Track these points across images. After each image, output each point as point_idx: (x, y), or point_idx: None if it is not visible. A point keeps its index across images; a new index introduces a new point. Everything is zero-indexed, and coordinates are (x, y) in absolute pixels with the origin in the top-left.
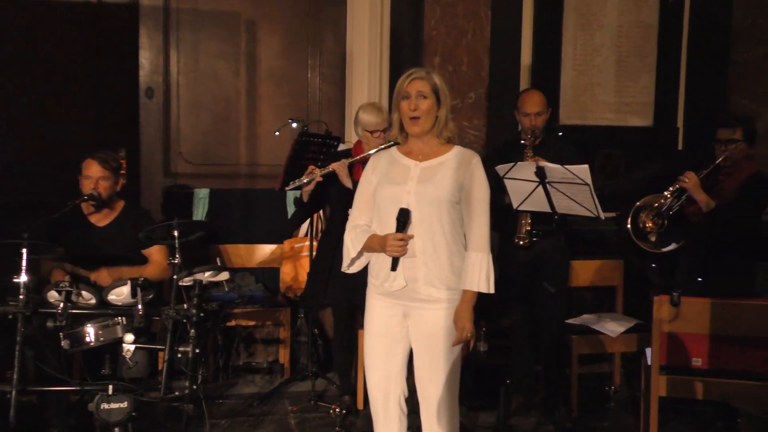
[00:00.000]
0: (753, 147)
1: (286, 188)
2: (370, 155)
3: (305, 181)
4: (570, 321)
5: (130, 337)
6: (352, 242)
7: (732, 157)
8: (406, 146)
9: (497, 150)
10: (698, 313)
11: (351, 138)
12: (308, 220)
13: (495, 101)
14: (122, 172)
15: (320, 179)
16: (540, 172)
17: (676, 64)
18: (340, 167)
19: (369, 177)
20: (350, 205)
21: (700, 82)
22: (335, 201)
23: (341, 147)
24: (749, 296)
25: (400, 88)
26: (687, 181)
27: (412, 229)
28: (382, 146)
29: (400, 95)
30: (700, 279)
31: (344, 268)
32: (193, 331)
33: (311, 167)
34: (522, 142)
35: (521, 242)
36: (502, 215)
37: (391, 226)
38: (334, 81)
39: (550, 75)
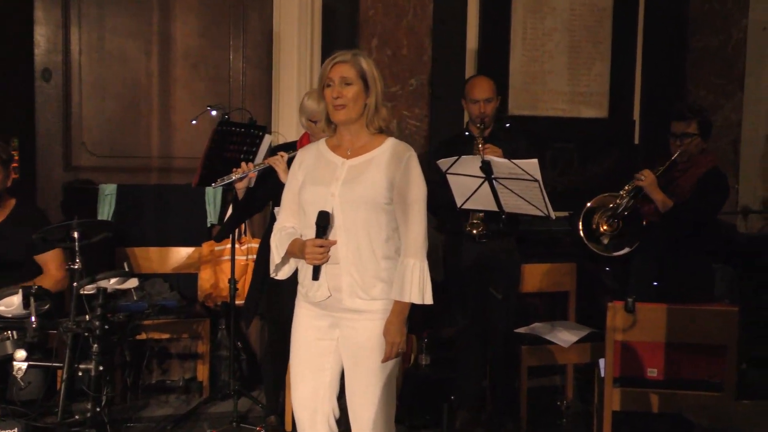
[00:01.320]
0: (708, 141)
1: (213, 185)
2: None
3: (235, 178)
4: (519, 330)
5: (21, 353)
6: (276, 247)
7: (687, 152)
8: (335, 139)
9: (444, 143)
10: (654, 320)
11: (278, 128)
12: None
13: (438, 88)
14: (14, 165)
15: (254, 175)
16: (485, 167)
17: (631, 51)
18: (277, 161)
19: (296, 173)
20: None
21: (657, 71)
22: (275, 201)
23: (267, 139)
24: (707, 301)
25: (323, 74)
26: (644, 179)
27: (335, 233)
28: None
29: (324, 82)
30: (655, 283)
31: (271, 274)
32: (96, 346)
33: (243, 165)
34: (467, 133)
35: (474, 230)
36: (448, 214)
37: (313, 230)
38: (260, 64)
39: (498, 61)
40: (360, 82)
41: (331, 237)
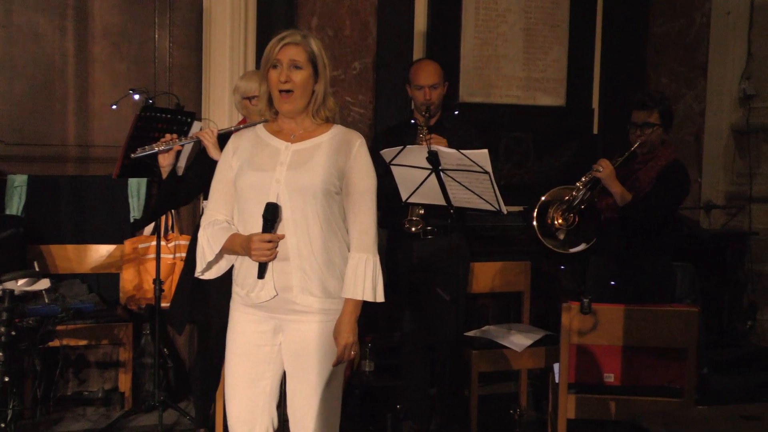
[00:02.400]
0: (670, 131)
1: (133, 155)
2: (248, 127)
3: (160, 148)
4: (469, 334)
5: None
6: (207, 242)
7: (648, 142)
8: (276, 125)
9: (387, 131)
10: (611, 322)
11: (208, 114)
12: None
13: (384, 73)
14: None
15: (180, 148)
16: (432, 158)
17: (590, 35)
18: (206, 135)
19: (228, 160)
20: None
21: (617, 56)
22: (208, 186)
23: (196, 126)
24: (668, 301)
25: (270, 55)
26: (601, 170)
27: (283, 226)
28: (263, 120)
29: (269, 63)
30: (612, 283)
31: (198, 273)
32: (1, 354)
33: (168, 135)
34: (413, 121)
35: (413, 228)
36: (392, 208)
37: (255, 223)
38: (189, 44)
39: (449, 43)
40: (309, 67)
41: (278, 229)
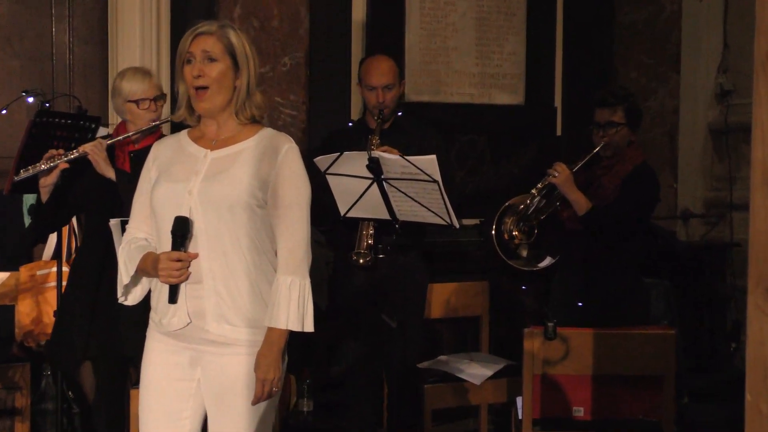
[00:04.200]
0: (638, 131)
1: (16, 177)
2: (139, 133)
3: (44, 167)
4: (422, 365)
5: None
6: (124, 263)
7: (612, 144)
8: (198, 129)
9: (331, 137)
10: (579, 348)
11: (115, 119)
12: (55, 235)
13: (318, 69)
14: None
15: (66, 166)
16: (373, 166)
17: (550, 24)
18: (94, 149)
19: (149, 171)
20: (117, 209)
21: (580, 48)
22: (94, 204)
23: (102, 132)
24: (641, 323)
25: (183, 48)
26: (557, 175)
27: (196, 243)
28: (154, 122)
29: (183, 58)
30: (580, 303)
31: (119, 298)
32: None
33: (52, 151)
34: (350, 124)
35: (361, 260)
36: (334, 226)
37: (168, 241)
38: (92, 38)
39: (391, 35)
40: (227, 59)
41: (191, 248)
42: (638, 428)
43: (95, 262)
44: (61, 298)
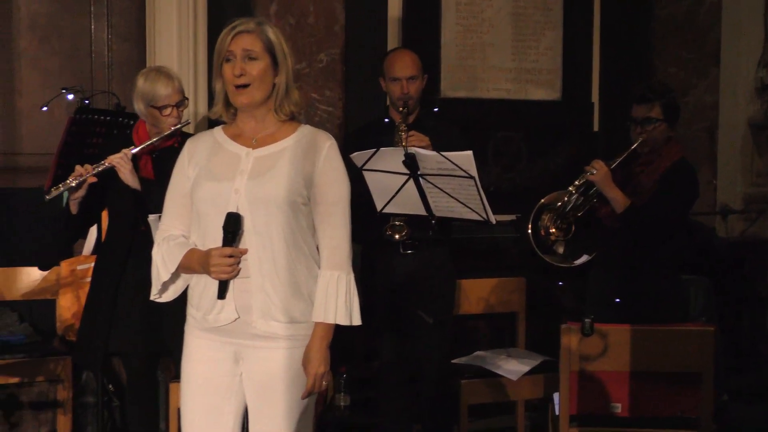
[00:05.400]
0: (676, 127)
1: (47, 197)
2: (161, 139)
3: (73, 185)
4: (457, 361)
5: None
6: (162, 260)
7: (650, 140)
8: (235, 127)
9: (358, 132)
10: (617, 345)
11: None
12: (95, 233)
13: (354, 66)
14: None
15: (94, 180)
16: (410, 162)
17: (587, 19)
18: (121, 161)
19: (184, 169)
20: (141, 212)
21: (618, 43)
22: (116, 206)
23: None
24: (679, 320)
25: (222, 47)
26: (595, 172)
27: (244, 241)
28: (176, 126)
29: (222, 56)
30: (617, 300)
31: (153, 296)
32: None
33: (79, 168)
34: (386, 120)
35: (396, 235)
36: (366, 220)
37: (214, 238)
38: (130, 36)
39: (427, 31)
40: (267, 57)
41: (240, 245)
42: (677, 425)
43: (117, 260)
44: (89, 296)
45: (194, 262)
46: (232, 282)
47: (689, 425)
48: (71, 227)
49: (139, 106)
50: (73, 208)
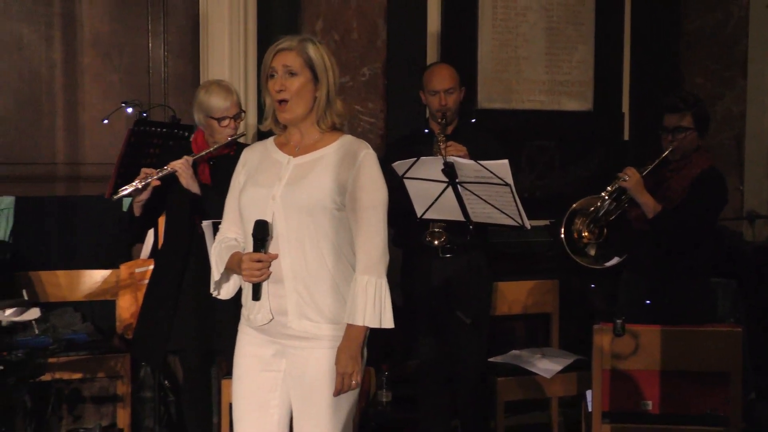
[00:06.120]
0: (706, 136)
1: (114, 197)
2: (218, 148)
3: (139, 186)
4: (494, 360)
5: None
6: (215, 261)
7: (681, 148)
8: (284, 137)
9: (399, 142)
10: (648, 345)
11: None
12: (152, 237)
13: (395, 79)
14: None
15: (158, 183)
16: (449, 170)
17: (618, 33)
18: (182, 166)
19: (238, 175)
20: (198, 215)
21: (647, 56)
22: (175, 211)
23: None
24: (708, 321)
25: (266, 64)
26: (627, 179)
27: (278, 245)
28: (232, 137)
29: (266, 72)
30: (648, 302)
31: (212, 292)
32: None
33: (145, 170)
34: (426, 131)
35: (435, 241)
36: (407, 226)
37: (252, 242)
38: (184, 52)
39: (465, 46)
40: (307, 73)
41: (273, 249)
42: (706, 422)
43: (177, 262)
44: (147, 295)
45: (234, 264)
46: (266, 285)
47: (718, 423)
48: (134, 229)
49: (198, 117)
50: (137, 211)
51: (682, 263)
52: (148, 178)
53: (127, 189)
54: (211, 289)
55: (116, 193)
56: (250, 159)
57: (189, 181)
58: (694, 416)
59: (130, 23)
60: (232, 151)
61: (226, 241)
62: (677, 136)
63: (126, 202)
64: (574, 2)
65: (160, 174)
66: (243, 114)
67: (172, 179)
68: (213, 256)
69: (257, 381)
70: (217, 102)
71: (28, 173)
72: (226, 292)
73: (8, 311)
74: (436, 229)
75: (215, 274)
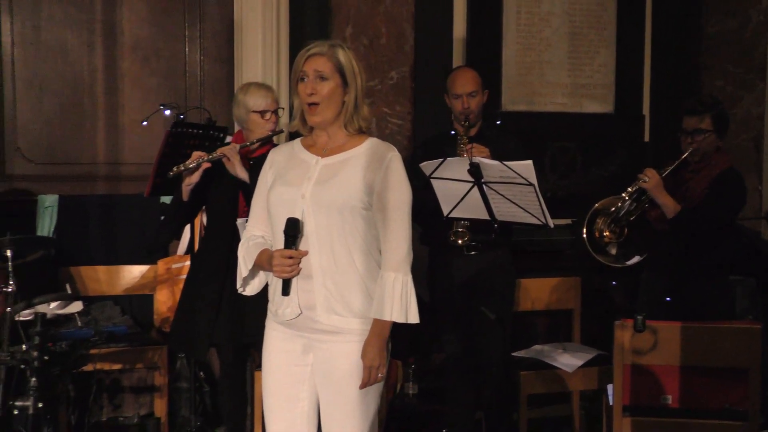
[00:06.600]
0: (725, 137)
1: (169, 174)
2: (260, 141)
3: (191, 166)
4: (517, 354)
5: None
6: (243, 258)
7: (700, 150)
8: (310, 138)
9: (425, 143)
10: (667, 341)
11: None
12: (188, 234)
13: (422, 82)
14: None
15: (208, 165)
16: (474, 171)
17: (639, 37)
18: (231, 152)
19: (266, 175)
20: (248, 203)
21: (668, 59)
22: (217, 203)
23: (228, 140)
24: (727, 318)
25: (297, 67)
26: (647, 180)
27: (307, 242)
28: (271, 132)
29: (297, 76)
30: (668, 299)
31: (238, 289)
32: (34, 379)
33: (197, 153)
34: (452, 132)
35: (459, 240)
36: (433, 224)
37: (281, 239)
38: (219, 57)
39: (489, 50)
40: (337, 77)
41: (303, 246)
42: (725, 417)
43: (220, 257)
44: (186, 288)
45: (264, 261)
46: (295, 281)
47: (737, 417)
48: (179, 215)
49: (239, 114)
50: (185, 195)
51: (702, 262)
52: (200, 160)
53: (182, 167)
54: (238, 286)
55: (172, 171)
56: (277, 159)
57: (237, 167)
58: (713, 411)
59: (168, 29)
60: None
61: (253, 238)
62: (696, 138)
63: (164, 201)
64: (596, 7)
65: (211, 157)
66: (281, 110)
67: (217, 171)
68: (240, 253)
69: (286, 375)
70: (258, 97)
71: (70, 173)
72: (251, 289)
73: (53, 304)
74: (460, 229)
75: (243, 271)
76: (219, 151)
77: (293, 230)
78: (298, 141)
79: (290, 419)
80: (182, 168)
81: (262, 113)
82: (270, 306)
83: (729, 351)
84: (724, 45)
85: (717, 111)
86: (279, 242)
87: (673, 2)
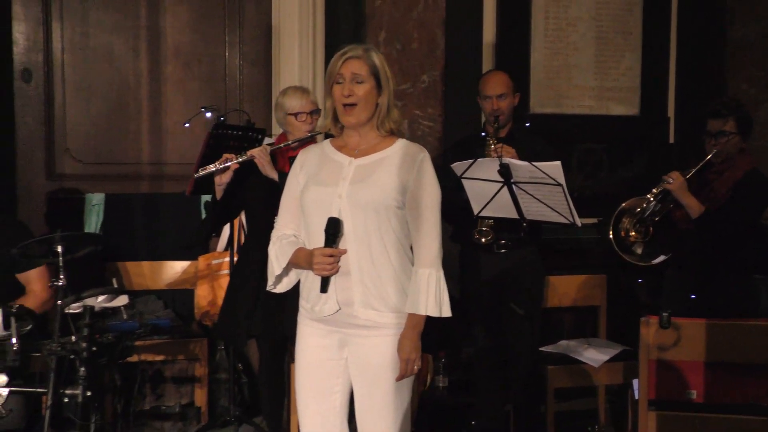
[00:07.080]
0: (748, 140)
1: (196, 175)
2: (297, 142)
3: (220, 167)
4: (545, 349)
5: (2, 378)
6: (276, 256)
7: (724, 152)
8: (341, 140)
9: (458, 144)
10: (692, 337)
11: (278, 130)
12: (228, 231)
13: (452, 85)
14: None
15: (237, 166)
16: (504, 171)
17: (665, 42)
18: (260, 153)
19: (296, 175)
20: (276, 206)
21: (692, 63)
22: (253, 201)
23: (267, 141)
24: (751, 315)
25: (333, 70)
26: (672, 182)
27: (345, 241)
28: (309, 134)
29: (333, 78)
30: (693, 296)
31: (269, 287)
32: (83, 369)
33: (226, 155)
34: (483, 134)
35: (483, 239)
36: (463, 222)
37: (318, 238)
38: (258, 61)
39: (518, 54)
40: (372, 80)
41: (341, 244)
42: (749, 411)
43: (260, 254)
44: (231, 283)
45: (301, 260)
46: (333, 278)
47: (761, 412)
48: (216, 213)
49: (278, 116)
50: (218, 194)
51: (726, 261)
52: (228, 161)
53: (211, 168)
54: (269, 284)
55: (198, 172)
56: (308, 160)
57: (266, 167)
58: (737, 406)
59: (209, 35)
60: None
61: (285, 237)
62: (720, 140)
63: (203, 200)
64: (622, 12)
65: (240, 159)
66: (319, 111)
67: (252, 171)
68: (273, 252)
69: (319, 369)
70: (293, 100)
71: (116, 172)
72: (282, 287)
73: (100, 298)
74: (484, 228)
75: (276, 269)
76: (249, 153)
77: (334, 229)
78: (327, 142)
79: (324, 412)
80: (212, 169)
81: (296, 115)
82: (304, 303)
83: (753, 347)
84: (748, 49)
85: (740, 113)
86: (313, 241)
87: (698, 7)
